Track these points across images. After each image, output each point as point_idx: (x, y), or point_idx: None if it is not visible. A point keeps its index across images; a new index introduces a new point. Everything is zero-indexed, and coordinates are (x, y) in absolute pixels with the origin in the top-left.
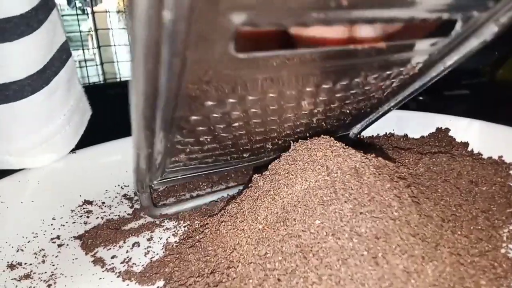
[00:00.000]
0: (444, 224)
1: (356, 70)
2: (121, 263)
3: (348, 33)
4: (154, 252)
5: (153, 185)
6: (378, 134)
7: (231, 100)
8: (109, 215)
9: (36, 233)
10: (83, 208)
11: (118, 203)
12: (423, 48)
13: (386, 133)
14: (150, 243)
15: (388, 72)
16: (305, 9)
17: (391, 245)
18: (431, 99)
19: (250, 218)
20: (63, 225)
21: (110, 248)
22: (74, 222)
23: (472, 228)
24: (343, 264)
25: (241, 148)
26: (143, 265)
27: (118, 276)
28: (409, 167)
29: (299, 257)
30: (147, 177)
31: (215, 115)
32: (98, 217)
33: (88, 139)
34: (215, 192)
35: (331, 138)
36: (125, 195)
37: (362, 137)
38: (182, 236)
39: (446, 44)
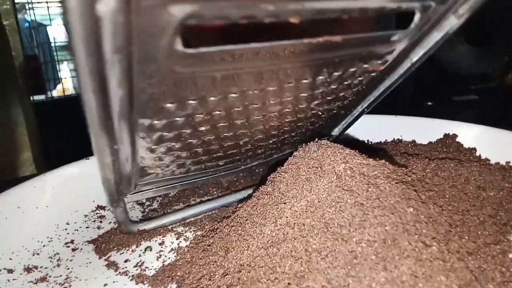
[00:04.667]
0: (452, 229)
1: (317, 66)
2: (134, 266)
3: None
4: (166, 256)
5: (125, 199)
6: (386, 140)
7: (191, 102)
8: None
9: (51, 238)
10: (96, 213)
11: (130, 208)
12: (384, 42)
13: (394, 139)
14: (162, 247)
15: (352, 69)
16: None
17: (399, 250)
18: (439, 105)
19: (259, 223)
20: (77, 230)
21: (123, 252)
22: (87, 227)
23: (479, 233)
24: (352, 268)
25: (214, 156)
26: (155, 269)
27: (131, 280)
28: (417, 173)
29: (308, 261)
30: (117, 190)
31: (178, 118)
32: (110, 222)
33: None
34: (201, 204)
35: (338, 144)
36: (136, 201)
37: (369, 142)
38: (193, 241)
39: (409, 38)
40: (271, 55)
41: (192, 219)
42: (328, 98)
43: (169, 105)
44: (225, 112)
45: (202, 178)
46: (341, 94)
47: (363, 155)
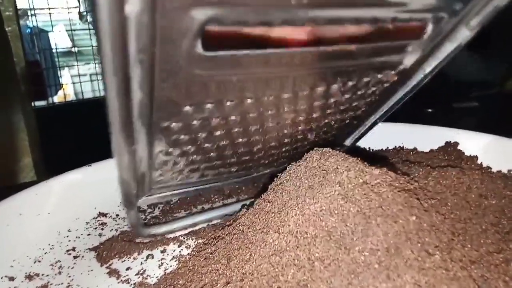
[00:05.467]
0: (454, 237)
1: (332, 74)
2: (136, 274)
3: (316, 34)
4: (167, 264)
5: (140, 201)
6: (387, 147)
7: (208, 105)
8: (123, 227)
9: (52, 245)
10: (98, 220)
11: (126, 212)
12: (397, 52)
13: (395, 146)
14: (163, 255)
15: (366, 79)
16: (272, 6)
17: (402, 259)
18: (440, 112)
19: (262, 231)
20: (78, 237)
21: (124, 260)
22: (89, 234)
23: (482, 241)
24: (354, 277)
25: (228, 161)
26: (157, 277)
27: None
28: (419, 181)
29: (311, 270)
30: (133, 191)
31: (195, 121)
32: (112, 229)
33: (102, 152)
34: (208, 211)
35: (340, 151)
36: (138, 208)
37: (371, 150)
38: (194, 249)
39: (422, 49)
40: (287, 61)
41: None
42: (341, 107)
43: (187, 107)
44: (240, 117)
45: (215, 184)
46: (354, 104)
47: (365, 163)
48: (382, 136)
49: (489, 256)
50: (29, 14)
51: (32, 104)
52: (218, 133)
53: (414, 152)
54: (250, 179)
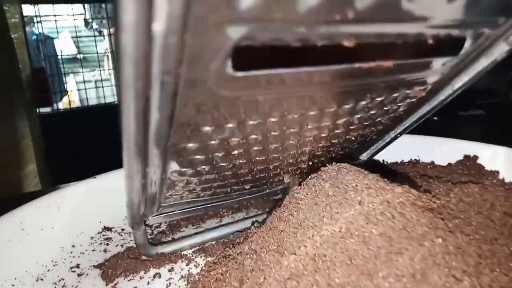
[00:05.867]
0: (482, 260)
1: (362, 91)
2: None
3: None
4: (175, 285)
5: (147, 221)
6: (403, 160)
7: (229, 125)
8: (129, 242)
9: (55, 262)
10: (103, 235)
11: (133, 232)
12: (431, 68)
13: (411, 159)
14: (171, 274)
15: (395, 95)
16: (311, 22)
17: (429, 285)
18: (446, 120)
19: (277, 253)
20: (83, 253)
21: (131, 279)
22: (93, 250)
23: (511, 264)
24: None
25: (242, 179)
26: None
27: None
28: (441, 198)
29: None
30: (141, 212)
31: (213, 142)
32: (118, 245)
33: (107, 158)
34: (218, 228)
35: (358, 167)
36: (144, 221)
37: (386, 163)
38: (204, 268)
39: (455, 64)
40: (318, 79)
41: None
42: (365, 123)
43: (207, 128)
44: (261, 136)
45: (226, 201)
46: (377, 120)
47: (385, 179)
48: (397, 148)
49: None
50: (35, 21)
51: (37, 110)
52: (236, 152)
53: (431, 166)
54: (262, 195)
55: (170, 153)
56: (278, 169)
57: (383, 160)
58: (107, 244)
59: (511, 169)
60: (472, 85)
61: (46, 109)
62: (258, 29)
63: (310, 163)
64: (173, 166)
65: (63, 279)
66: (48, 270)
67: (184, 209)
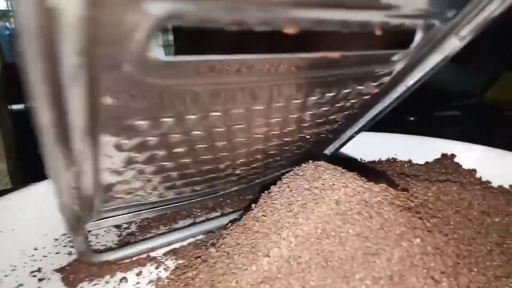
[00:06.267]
0: (460, 260)
1: (310, 85)
2: None
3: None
4: None
5: (86, 226)
6: (380, 159)
7: (166, 119)
8: (95, 244)
9: (15, 266)
10: (68, 237)
11: (105, 231)
12: (382, 62)
13: (389, 158)
14: (139, 278)
15: (346, 90)
16: (247, 2)
17: (407, 287)
18: (421, 120)
19: (250, 255)
20: (46, 256)
21: (95, 284)
22: (57, 253)
23: (488, 264)
24: None
25: (190, 180)
26: None
27: None
28: (419, 197)
29: None
30: (78, 216)
31: (150, 138)
32: None
33: None
34: (182, 229)
35: (337, 166)
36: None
37: (363, 161)
38: (173, 271)
39: (407, 59)
40: (261, 70)
41: (175, 245)
42: (318, 121)
43: (140, 122)
44: (205, 132)
45: (176, 204)
46: (331, 118)
47: (363, 178)
48: (375, 147)
49: (497, 281)
50: (8, 15)
51: (9, 107)
52: (179, 150)
53: (409, 164)
54: (216, 197)
55: (101, 150)
56: (230, 169)
57: (361, 159)
58: (72, 247)
59: (488, 167)
60: (448, 87)
61: (18, 106)
62: (186, 6)
63: (265, 162)
64: (108, 164)
65: (22, 285)
66: (6, 275)
67: (129, 213)
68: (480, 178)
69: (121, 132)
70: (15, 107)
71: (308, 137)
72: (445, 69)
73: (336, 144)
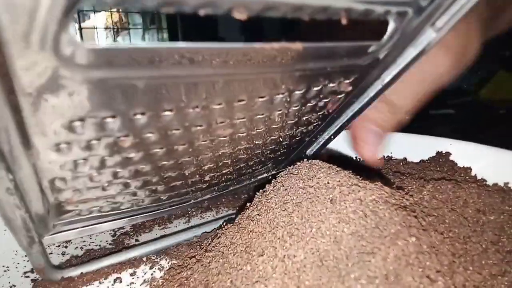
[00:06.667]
0: (455, 259)
1: (273, 81)
2: None
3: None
4: None
5: (42, 239)
6: None
7: (107, 120)
8: (89, 244)
9: (7, 267)
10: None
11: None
12: (355, 56)
13: (384, 156)
14: (133, 278)
15: (316, 88)
16: None
17: (403, 286)
18: (416, 118)
19: (245, 254)
20: None
21: (88, 284)
22: (51, 253)
23: (483, 262)
24: None
25: (153, 188)
26: None
27: None
28: (414, 195)
29: None
30: (31, 230)
31: (92, 141)
32: (77, 247)
33: None
34: (162, 238)
35: (332, 165)
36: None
37: (358, 160)
38: (168, 272)
39: (381, 53)
40: (213, 61)
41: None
42: (290, 122)
43: (76, 123)
44: (158, 134)
45: (142, 215)
46: (304, 118)
47: (358, 176)
48: None
49: (493, 279)
50: None
51: None
52: (132, 155)
53: (404, 162)
54: (186, 206)
55: (39, 155)
56: (197, 176)
57: (355, 157)
58: (66, 247)
59: (483, 165)
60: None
61: None
62: None
63: (236, 167)
64: (51, 172)
65: (15, 286)
66: None
67: (88, 225)
68: (475, 176)
69: (55, 134)
70: None
71: (281, 140)
72: None
73: (314, 148)
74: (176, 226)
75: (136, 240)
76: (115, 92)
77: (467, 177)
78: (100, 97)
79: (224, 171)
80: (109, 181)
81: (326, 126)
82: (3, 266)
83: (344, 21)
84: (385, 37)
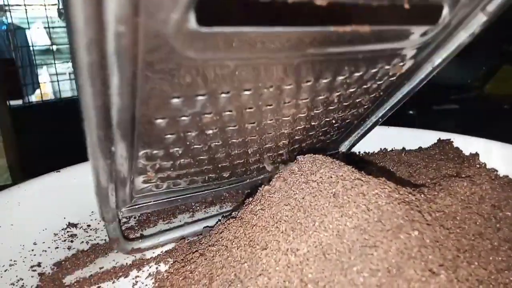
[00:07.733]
0: (460, 254)
1: (339, 62)
2: None
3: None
4: (142, 283)
5: (121, 213)
6: (374, 151)
7: (200, 97)
8: (95, 239)
9: (14, 261)
10: (67, 232)
11: (104, 225)
12: (410, 38)
13: (381, 148)
14: (138, 272)
15: (374, 70)
16: None
17: (405, 280)
18: (420, 113)
19: (248, 248)
20: (45, 251)
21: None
22: (57, 247)
23: (491, 258)
24: None
25: (219, 165)
26: None
27: None
28: (425, 192)
29: None
30: (112, 201)
31: (183, 117)
32: (83, 242)
33: (73, 156)
34: (197, 222)
35: (334, 160)
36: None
37: (361, 154)
38: (173, 265)
39: (434, 37)
40: (291, 43)
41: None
42: (345, 103)
43: (175, 100)
44: (236, 112)
45: (204, 192)
46: (357, 100)
47: (362, 171)
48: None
49: (498, 274)
50: (5, 9)
51: (8, 103)
52: (210, 131)
53: (405, 153)
54: (242, 186)
55: (138, 130)
56: (257, 155)
57: (358, 152)
58: (71, 241)
59: (487, 160)
60: (446, 80)
61: (17, 102)
62: None
63: (290, 148)
64: (143, 146)
65: (22, 279)
66: (6, 270)
67: (159, 200)
68: (484, 164)
69: (157, 110)
70: (13, 102)
71: (333, 121)
72: None
73: (360, 132)
74: (180, 221)
75: (141, 234)
76: (212, 72)
77: (477, 165)
78: (200, 76)
79: (280, 152)
80: (185, 155)
81: (376, 109)
82: (11, 260)
83: (406, 6)
84: (440, 20)
